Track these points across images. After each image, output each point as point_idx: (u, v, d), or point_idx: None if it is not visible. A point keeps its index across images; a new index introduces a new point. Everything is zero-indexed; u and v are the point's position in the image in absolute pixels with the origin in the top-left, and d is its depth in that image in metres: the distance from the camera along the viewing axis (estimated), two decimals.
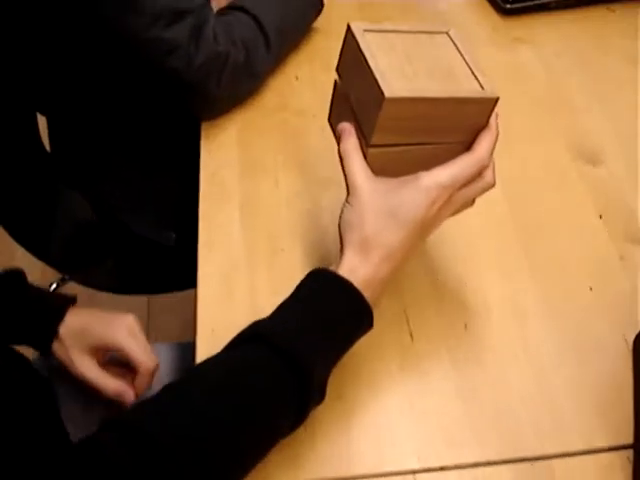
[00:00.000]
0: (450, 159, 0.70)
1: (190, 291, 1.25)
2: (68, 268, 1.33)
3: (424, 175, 0.68)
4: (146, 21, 0.91)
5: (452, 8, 1.26)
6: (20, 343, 0.91)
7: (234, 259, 0.88)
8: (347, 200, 0.70)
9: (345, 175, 0.71)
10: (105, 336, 0.89)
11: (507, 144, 1.00)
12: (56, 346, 0.89)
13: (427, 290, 0.85)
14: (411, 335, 0.81)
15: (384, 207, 0.68)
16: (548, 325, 0.82)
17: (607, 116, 1.06)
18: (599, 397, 0.76)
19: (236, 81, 1.02)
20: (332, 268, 0.70)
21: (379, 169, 0.70)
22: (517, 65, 1.15)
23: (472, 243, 0.90)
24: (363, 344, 0.72)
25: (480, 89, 0.69)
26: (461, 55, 0.72)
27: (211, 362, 0.68)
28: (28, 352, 0.93)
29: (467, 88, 0.69)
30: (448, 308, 0.84)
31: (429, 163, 0.69)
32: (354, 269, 0.69)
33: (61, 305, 0.90)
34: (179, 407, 0.63)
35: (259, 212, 0.93)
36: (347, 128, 0.71)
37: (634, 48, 1.17)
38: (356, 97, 0.71)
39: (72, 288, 1.39)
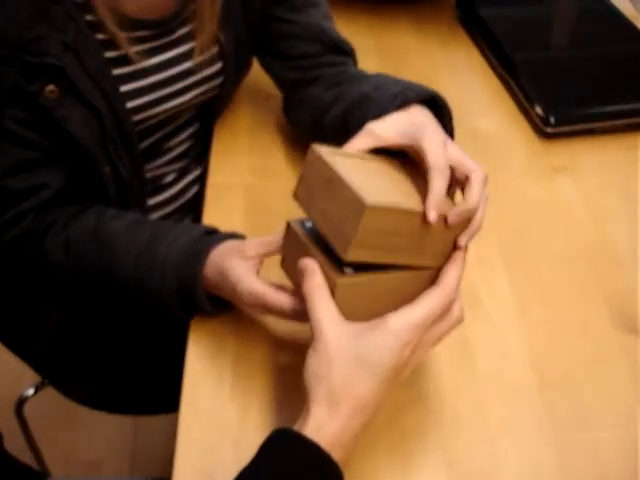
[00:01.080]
0: (419, 291, 0.68)
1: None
2: (48, 375, 1.23)
3: (393, 316, 0.65)
4: None
5: (488, 126, 1.16)
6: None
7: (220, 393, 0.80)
8: (312, 346, 0.66)
9: (310, 317, 0.66)
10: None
11: (539, 299, 0.90)
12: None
13: None
14: None
15: (352, 354, 0.64)
16: None
17: None
18: None
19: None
20: (297, 425, 0.65)
21: (348, 306, 0.67)
22: (555, 201, 1.04)
23: (498, 433, 0.78)
24: None
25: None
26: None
27: None
28: None
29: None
30: None
31: (398, 297, 0.68)
32: (322, 426, 0.64)
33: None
34: None
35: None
36: (310, 265, 0.68)
37: None
38: (325, 220, 0.68)
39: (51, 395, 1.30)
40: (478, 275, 0.93)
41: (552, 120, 1.11)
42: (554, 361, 0.84)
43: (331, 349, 0.64)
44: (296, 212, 0.72)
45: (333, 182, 0.66)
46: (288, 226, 0.72)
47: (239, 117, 1.19)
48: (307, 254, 0.69)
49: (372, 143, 0.76)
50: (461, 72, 1.31)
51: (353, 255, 0.64)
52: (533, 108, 1.14)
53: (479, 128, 1.16)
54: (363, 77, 1.00)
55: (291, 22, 1.04)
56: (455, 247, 0.71)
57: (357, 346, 0.64)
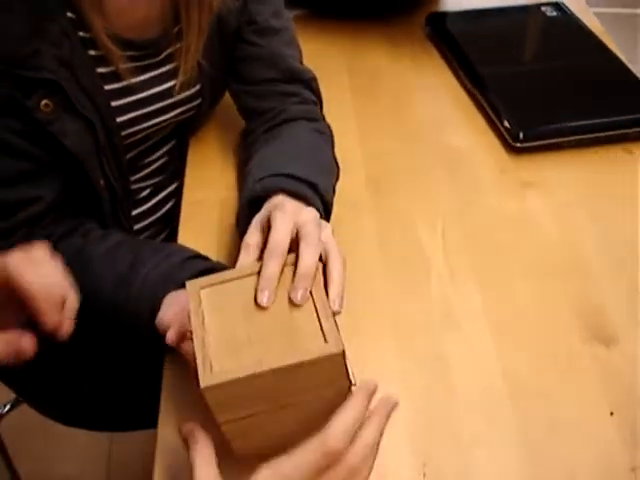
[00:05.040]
0: (323, 408, 0.63)
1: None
2: (22, 392, 1.23)
3: (264, 468, 0.59)
4: None
5: (459, 142, 1.18)
6: None
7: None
8: None
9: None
10: None
11: (511, 315, 0.92)
12: None
13: None
14: None
15: None
16: None
17: (625, 285, 0.95)
18: None
19: None
20: None
21: (241, 440, 0.65)
22: (525, 216, 1.05)
23: (470, 446, 0.79)
24: None
25: (323, 343, 0.62)
26: (310, 293, 0.67)
27: None
28: None
29: (305, 348, 0.62)
30: None
31: (298, 418, 0.64)
32: None
33: None
34: None
35: None
36: (191, 431, 0.63)
37: None
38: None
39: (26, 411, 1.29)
40: (451, 291, 0.94)
41: (521, 135, 1.13)
42: (526, 374, 0.86)
43: None
44: None
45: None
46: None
47: (213, 134, 1.20)
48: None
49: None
50: (432, 90, 1.32)
51: (222, 418, 0.63)
52: (502, 124, 1.17)
53: (451, 145, 1.18)
54: (271, 139, 1.04)
55: (255, 45, 1.07)
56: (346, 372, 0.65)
57: None
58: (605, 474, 0.77)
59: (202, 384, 0.59)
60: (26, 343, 0.64)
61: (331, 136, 1.06)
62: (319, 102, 1.12)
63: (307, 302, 0.66)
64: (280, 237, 0.75)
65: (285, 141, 1.01)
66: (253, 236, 0.81)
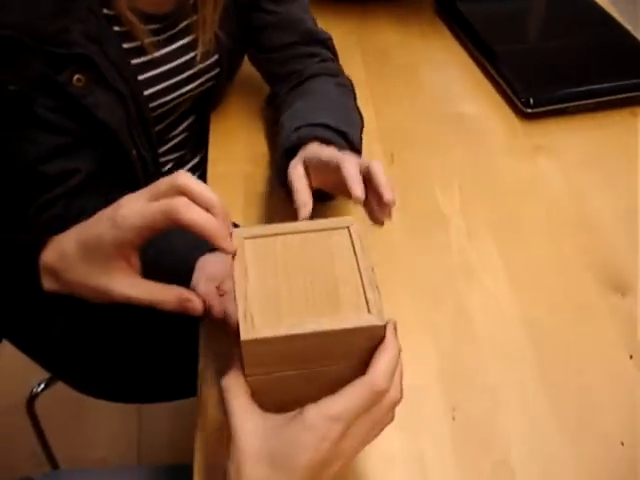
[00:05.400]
0: (348, 376, 0.61)
1: (183, 402, 1.21)
2: (56, 370, 1.26)
3: (310, 409, 0.59)
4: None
5: (471, 111, 1.22)
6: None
7: None
8: (230, 448, 0.61)
9: (226, 416, 0.62)
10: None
11: (528, 267, 0.95)
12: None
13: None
14: None
15: (262, 452, 0.59)
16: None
17: (635, 236, 0.99)
18: None
19: None
20: None
21: (264, 396, 0.63)
22: (538, 177, 1.09)
23: (495, 390, 0.83)
24: None
25: (366, 314, 0.61)
26: (356, 261, 0.64)
27: None
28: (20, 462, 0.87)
29: (348, 315, 0.61)
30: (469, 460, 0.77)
31: (322, 382, 0.62)
32: None
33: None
34: None
35: None
36: (232, 356, 0.64)
37: None
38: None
39: (62, 388, 1.33)
40: (470, 247, 0.98)
41: (531, 101, 1.17)
42: (546, 322, 0.89)
43: (242, 450, 0.59)
44: None
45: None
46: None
47: (234, 108, 1.23)
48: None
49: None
50: (442, 64, 1.36)
51: (250, 371, 0.62)
52: (513, 91, 1.20)
53: (462, 113, 1.21)
54: (298, 95, 1.08)
55: (272, 13, 1.11)
56: (383, 338, 0.63)
57: (267, 442, 0.59)
58: (630, 416, 0.81)
59: (243, 337, 0.58)
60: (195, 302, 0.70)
61: (352, 88, 1.12)
62: (336, 58, 1.17)
63: (353, 272, 0.64)
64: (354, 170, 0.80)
65: (312, 95, 1.05)
66: (302, 179, 0.86)
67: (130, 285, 0.69)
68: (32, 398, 1.35)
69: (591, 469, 0.76)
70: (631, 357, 0.86)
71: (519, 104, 1.19)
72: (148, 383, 1.20)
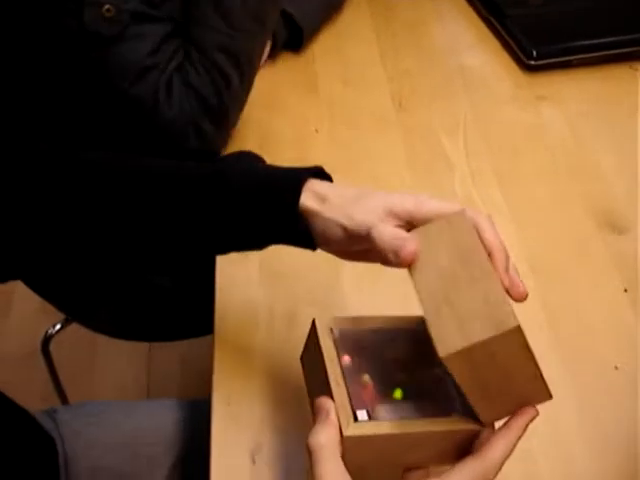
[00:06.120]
0: (449, 449, 0.60)
1: (192, 340, 1.26)
2: (70, 310, 1.30)
3: None
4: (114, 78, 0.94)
5: (475, 63, 1.25)
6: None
7: (252, 321, 0.86)
8: None
9: (312, 478, 0.56)
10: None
11: (529, 210, 0.99)
12: None
13: None
14: None
15: None
16: (570, 405, 0.79)
17: (633, 181, 1.03)
18: None
19: (216, 122, 1.00)
20: None
21: (355, 455, 0.58)
22: (540, 125, 1.13)
23: None
24: None
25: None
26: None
27: None
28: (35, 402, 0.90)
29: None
30: None
31: (421, 453, 0.60)
32: None
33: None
34: None
35: (279, 274, 0.91)
36: (326, 408, 0.58)
37: None
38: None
39: (75, 329, 1.37)
40: (475, 191, 1.02)
41: (534, 53, 1.20)
42: (547, 260, 0.93)
43: None
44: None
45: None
46: (313, 325, 0.64)
47: None
48: (324, 375, 0.60)
49: None
50: (448, 17, 1.39)
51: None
52: (517, 44, 1.24)
53: (468, 65, 1.25)
54: None
55: None
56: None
57: None
58: (624, 343, 0.85)
59: (451, 351, 0.53)
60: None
61: None
62: None
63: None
64: None
65: None
66: None
67: None
68: (47, 340, 1.39)
69: (586, 391, 0.80)
70: (625, 290, 0.90)
71: (523, 57, 1.22)
72: (162, 320, 1.25)
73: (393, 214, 0.61)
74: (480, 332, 0.53)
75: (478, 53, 1.28)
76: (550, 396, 0.60)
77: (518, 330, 0.53)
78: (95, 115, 1.02)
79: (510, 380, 0.57)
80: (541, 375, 0.57)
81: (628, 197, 1.01)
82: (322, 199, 0.64)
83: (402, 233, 0.60)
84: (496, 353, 0.54)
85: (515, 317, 0.53)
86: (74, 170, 0.72)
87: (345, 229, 0.63)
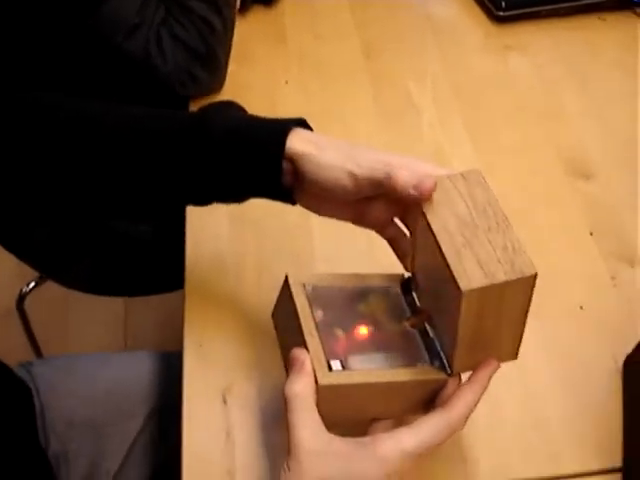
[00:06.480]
0: (421, 398, 0.62)
1: (168, 295, 1.26)
2: (46, 267, 1.31)
3: (383, 440, 0.57)
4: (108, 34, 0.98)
5: (444, 13, 1.25)
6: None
7: (222, 271, 0.87)
8: (287, 463, 0.57)
9: (288, 427, 0.58)
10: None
11: (497, 155, 1.00)
12: None
13: None
14: None
15: (327, 477, 0.56)
16: (537, 344, 0.80)
17: (600, 127, 1.05)
18: (589, 418, 0.75)
19: (208, 68, 1.04)
20: None
21: (330, 404, 0.60)
22: (509, 73, 1.14)
23: None
24: None
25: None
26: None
27: None
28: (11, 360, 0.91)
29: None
30: None
31: (395, 401, 0.63)
32: None
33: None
34: None
35: (248, 221, 0.91)
36: (301, 359, 0.59)
37: (626, 57, 1.16)
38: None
39: (50, 287, 1.37)
40: (441, 136, 1.03)
41: (503, 4, 1.20)
42: (515, 204, 0.93)
43: (305, 471, 0.56)
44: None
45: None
46: (286, 281, 0.65)
47: None
48: (298, 328, 0.62)
49: None
50: None
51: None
52: None
53: (437, 14, 1.25)
54: None
55: None
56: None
57: (335, 469, 0.56)
58: (589, 284, 0.87)
59: (473, 286, 0.54)
60: None
61: None
62: None
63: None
64: None
65: None
66: None
67: None
68: (22, 298, 1.40)
69: (553, 331, 0.82)
70: (591, 234, 0.92)
71: (492, 7, 1.22)
72: (139, 273, 1.25)
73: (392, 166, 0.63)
74: (502, 274, 0.55)
75: (447, 2, 1.28)
76: (516, 357, 0.63)
77: (534, 278, 0.56)
78: (93, 72, 1.06)
79: (500, 330, 0.60)
80: (522, 334, 0.61)
81: (595, 143, 1.02)
82: (315, 144, 0.65)
83: (418, 172, 0.61)
84: (506, 298, 0.56)
85: (534, 266, 0.55)
86: (50, 118, 0.72)
87: (354, 175, 0.63)
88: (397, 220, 0.69)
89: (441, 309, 0.62)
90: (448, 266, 0.56)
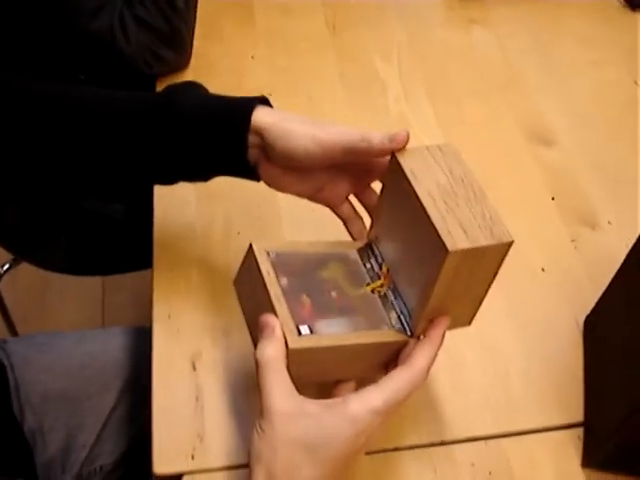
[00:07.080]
0: (386, 357, 0.65)
1: (145, 272, 1.27)
2: (20, 248, 1.31)
3: (352, 400, 0.58)
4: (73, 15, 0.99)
5: None
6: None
7: (190, 243, 0.88)
8: (260, 423, 0.58)
9: (260, 389, 0.59)
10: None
11: (461, 125, 1.02)
12: None
13: None
14: None
15: (300, 438, 0.57)
16: (500, 305, 0.83)
17: (562, 98, 1.07)
18: (551, 376, 0.77)
19: (173, 46, 1.05)
20: None
21: (299, 367, 0.61)
22: (472, 46, 1.16)
23: None
24: None
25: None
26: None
27: None
28: None
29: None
30: None
31: (362, 362, 0.66)
32: None
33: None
34: None
35: (215, 194, 0.92)
36: (271, 325, 0.61)
37: (587, 30, 1.18)
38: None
39: (25, 269, 1.38)
40: (407, 109, 1.05)
41: None
42: (476, 170, 0.93)
43: (278, 431, 0.57)
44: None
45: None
46: (250, 249, 0.66)
47: None
48: (265, 295, 0.63)
49: None
50: None
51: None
52: None
53: None
54: None
55: None
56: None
57: (306, 428, 0.57)
58: (551, 247, 0.89)
59: (458, 247, 0.57)
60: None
61: None
62: None
63: None
64: None
65: None
66: None
67: None
68: None
69: (516, 293, 0.84)
70: (553, 199, 0.94)
71: None
72: (114, 251, 1.26)
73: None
74: (482, 239, 0.58)
75: None
76: (469, 324, 0.68)
77: (509, 246, 0.60)
78: (59, 54, 1.06)
79: (465, 295, 0.63)
80: (481, 302, 0.65)
81: (556, 112, 1.05)
82: (280, 116, 0.67)
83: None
84: (482, 263, 0.60)
85: (510, 234, 0.60)
86: (18, 101, 0.73)
87: (321, 141, 0.66)
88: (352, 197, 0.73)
89: (410, 274, 0.64)
90: (434, 227, 0.58)
